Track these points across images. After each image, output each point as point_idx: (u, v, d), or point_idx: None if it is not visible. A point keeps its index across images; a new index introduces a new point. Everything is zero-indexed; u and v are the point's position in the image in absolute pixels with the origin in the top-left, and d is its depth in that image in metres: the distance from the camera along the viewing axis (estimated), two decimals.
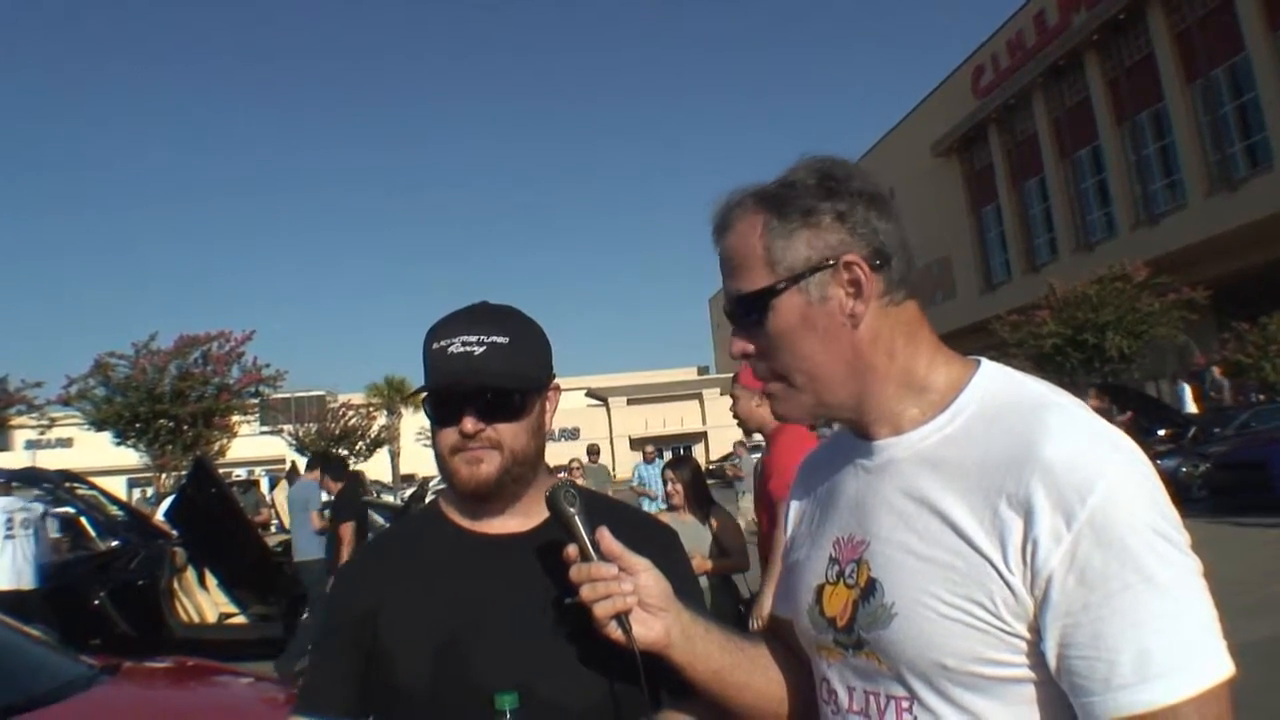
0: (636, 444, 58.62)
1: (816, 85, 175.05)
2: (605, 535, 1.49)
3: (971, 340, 34.81)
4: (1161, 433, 19.45)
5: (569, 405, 70.75)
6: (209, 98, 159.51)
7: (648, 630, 1.46)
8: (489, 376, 1.62)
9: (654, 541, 1.64)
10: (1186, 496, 16.99)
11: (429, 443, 1.78)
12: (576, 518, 1.49)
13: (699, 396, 70.05)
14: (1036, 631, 1.18)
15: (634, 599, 1.46)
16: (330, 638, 1.71)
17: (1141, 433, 20.10)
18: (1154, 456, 18.55)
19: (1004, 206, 41.35)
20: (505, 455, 1.64)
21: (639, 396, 70.84)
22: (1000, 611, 1.19)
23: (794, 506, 1.65)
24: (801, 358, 1.37)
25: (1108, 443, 1.21)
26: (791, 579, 1.56)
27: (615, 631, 1.45)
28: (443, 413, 1.64)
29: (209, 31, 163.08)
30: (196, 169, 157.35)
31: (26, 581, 9.13)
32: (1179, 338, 26.58)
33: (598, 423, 70.39)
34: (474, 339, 1.63)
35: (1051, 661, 1.17)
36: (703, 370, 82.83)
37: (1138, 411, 20.41)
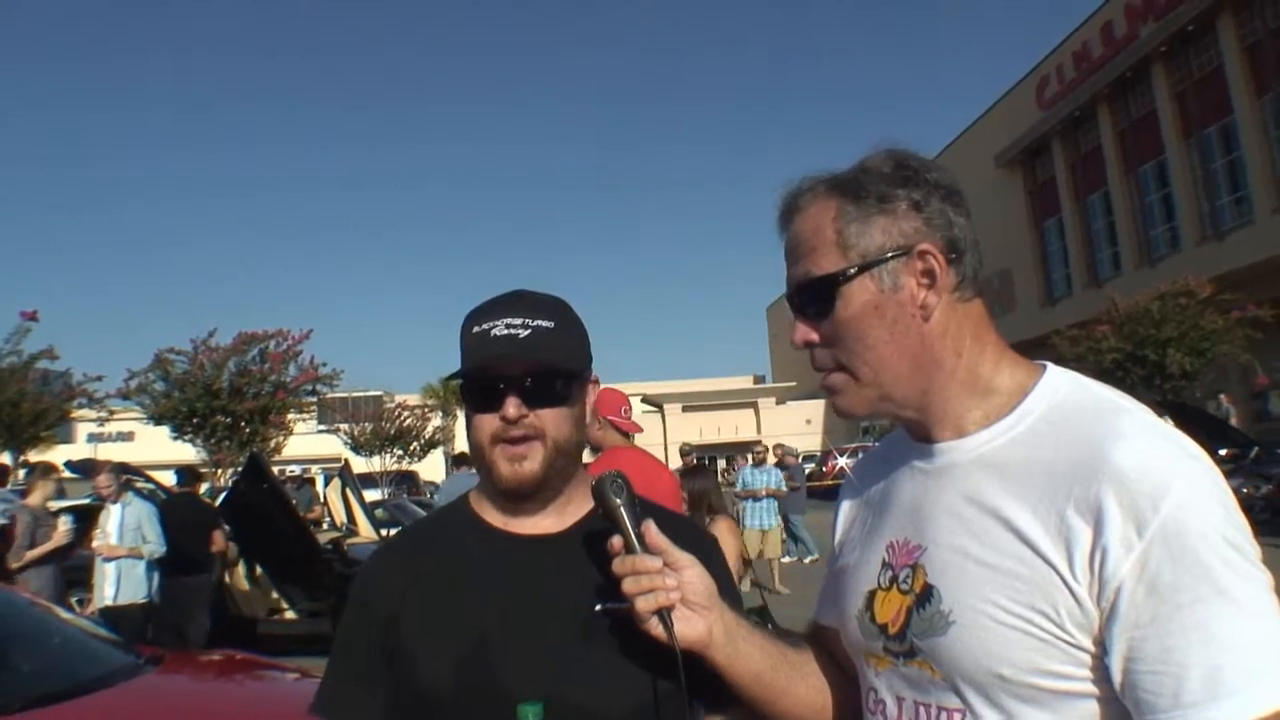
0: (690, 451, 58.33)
1: (880, 95, 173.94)
2: (651, 528, 1.44)
3: (1030, 354, 33.91)
4: (1223, 452, 19.08)
5: None
6: (269, 94, 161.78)
7: (690, 628, 1.42)
8: (535, 358, 1.56)
9: (694, 545, 1.56)
10: (1248, 518, 16.65)
11: None
12: (622, 509, 1.44)
13: (754, 405, 69.73)
14: (1101, 644, 1.13)
15: (678, 595, 1.41)
16: (352, 639, 1.64)
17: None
18: None
19: (1067, 220, 40.75)
20: (548, 446, 1.58)
21: (694, 404, 70.63)
22: (1064, 622, 1.15)
23: (844, 510, 1.60)
24: (868, 348, 1.32)
25: (1180, 449, 1.16)
26: (839, 584, 1.51)
27: (656, 628, 1.40)
28: (482, 398, 1.57)
29: (272, 28, 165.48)
30: (258, 167, 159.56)
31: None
32: (1242, 356, 26.05)
33: (652, 429, 70.16)
34: (519, 322, 1.57)
35: (1116, 676, 1.12)
36: (758, 379, 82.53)
37: (1199, 430, 20.06)
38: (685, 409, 70.57)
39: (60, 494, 12.84)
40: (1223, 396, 25.36)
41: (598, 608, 1.48)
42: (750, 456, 15.22)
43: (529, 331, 1.57)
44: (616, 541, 1.45)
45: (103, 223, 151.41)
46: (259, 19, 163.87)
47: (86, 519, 10.77)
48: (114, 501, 9.31)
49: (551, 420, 1.58)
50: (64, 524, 9.72)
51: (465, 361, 1.59)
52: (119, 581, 9.02)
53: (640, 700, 1.51)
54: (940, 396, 1.33)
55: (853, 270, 1.31)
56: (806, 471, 21.65)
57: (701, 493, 6.43)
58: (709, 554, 1.64)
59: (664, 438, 68.28)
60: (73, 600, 9.84)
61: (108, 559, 9.03)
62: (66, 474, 15.14)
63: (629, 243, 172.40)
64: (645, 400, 73.72)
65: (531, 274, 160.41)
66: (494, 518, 1.66)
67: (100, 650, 5.71)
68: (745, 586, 13.42)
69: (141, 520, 9.22)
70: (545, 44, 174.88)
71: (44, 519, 9.63)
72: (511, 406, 1.54)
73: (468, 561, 1.61)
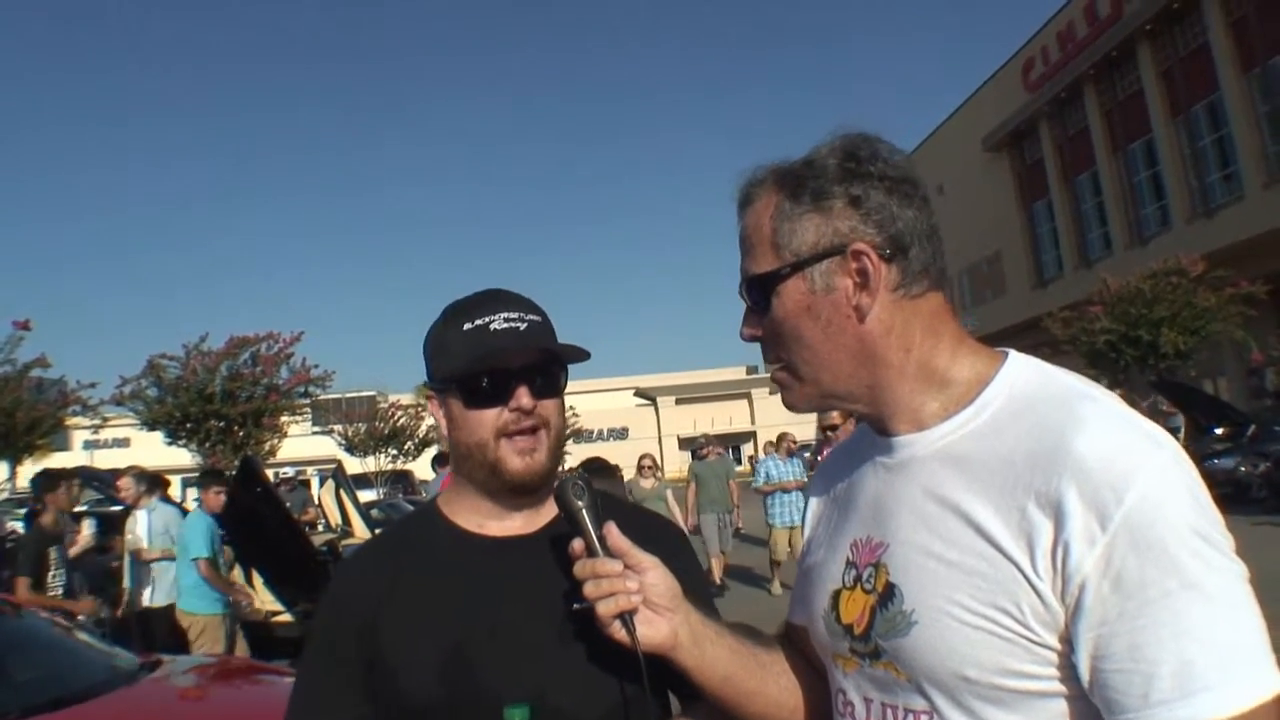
0: (685, 443, 58.66)
1: (866, 80, 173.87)
2: (612, 531, 1.42)
3: (1023, 338, 34.38)
4: (1219, 431, 19.11)
5: (617, 405, 70.89)
6: (257, 99, 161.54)
7: (653, 631, 1.40)
8: (543, 348, 1.56)
9: (663, 542, 1.56)
10: (1246, 496, 16.71)
11: None
12: (584, 511, 1.43)
13: (748, 396, 69.93)
14: (1068, 642, 1.10)
15: (639, 598, 1.39)
16: (328, 649, 1.60)
17: (1199, 431, 19.73)
18: (1212, 455, 18.25)
19: (1056, 201, 40.74)
20: (552, 435, 1.59)
21: (687, 396, 70.81)
22: (1028, 620, 1.11)
23: (812, 507, 1.57)
24: (804, 346, 1.30)
25: (1145, 437, 1.12)
26: (807, 583, 1.49)
27: (619, 632, 1.38)
28: (486, 393, 1.55)
29: (258, 32, 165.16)
30: (245, 172, 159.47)
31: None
32: (1237, 334, 26.08)
33: (646, 422, 70.41)
34: (515, 315, 1.57)
35: (1084, 674, 1.09)
36: (751, 369, 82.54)
37: (1196, 408, 20.08)
38: (679, 401, 70.71)
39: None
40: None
41: (575, 606, 1.45)
42: (782, 445, 14.13)
43: (526, 324, 1.58)
44: (577, 545, 1.43)
45: (88, 230, 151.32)
46: (245, 23, 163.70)
47: (107, 524, 10.85)
48: (138, 506, 9.31)
49: (553, 410, 1.60)
50: (87, 528, 9.83)
51: (461, 358, 1.56)
52: (154, 584, 9.04)
53: (618, 700, 1.51)
54: (890, 391, 1.30)
55: (785, 271, 1.29)
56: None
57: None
58: (678, 550, 1.64)
59: (658, 430, 68.43)
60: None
61: (147, 562, 9.06)
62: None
63: (619, 236, 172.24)
64: (638, 393, 73.78)
65: (522, 270, 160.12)
66: (466, 521, 1.64)
67: (96, 656, 5.73)
68: (777, 590, 13.13)
69: (169, 524, 9.21)
70: (530, 38, 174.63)
71: (67, 524, 9.63)
72: (525, 396, 1.54)
73: (442, 566, 1.60)
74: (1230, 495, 17.01)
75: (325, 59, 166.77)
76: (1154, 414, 21.99)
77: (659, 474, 13.38)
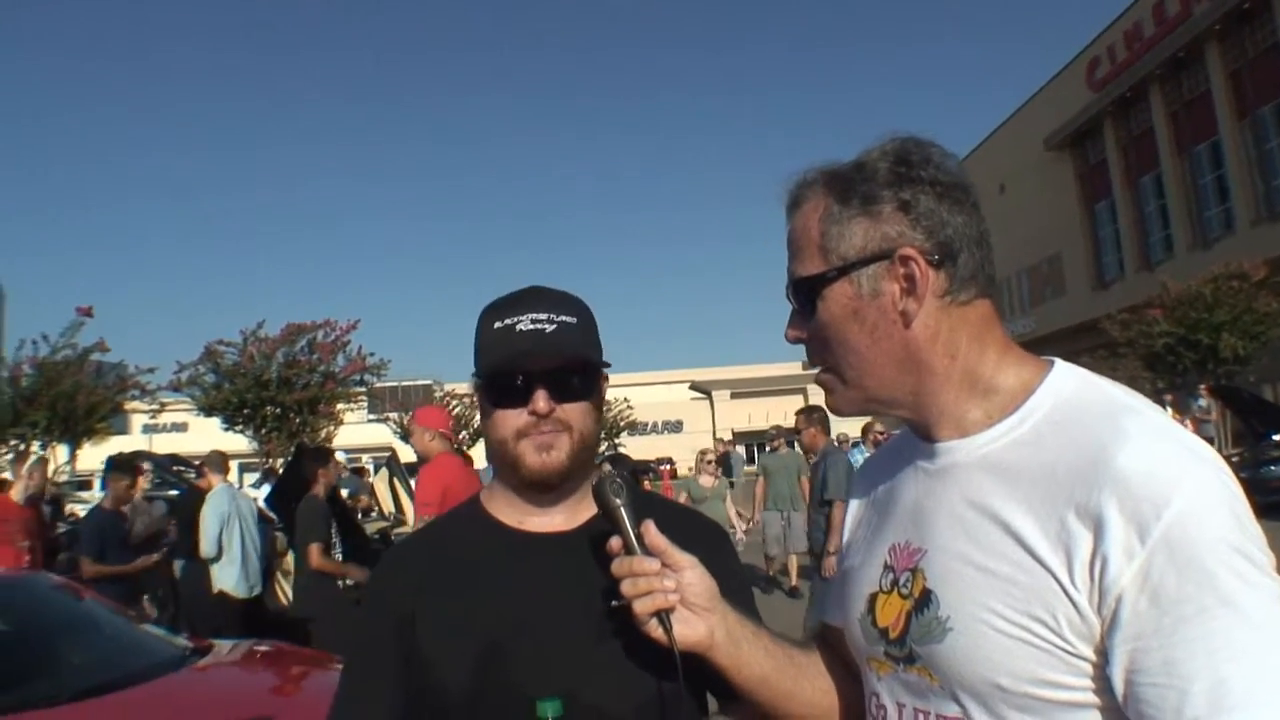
0: (739, 438, 58.51)
1: (928, 78, 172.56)
2: (650, 529, 1.42)
3: (1081, 339, 33.87)
4: (1277, 438, 18.71)
5: (672, 398, 70.81)
6: (317, 86, 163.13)
7: (690, 630, 1.40)
8: (563, 352, 1.56)
9: (703, 540, 1.56)
10: None
11: None
12: (622, 509, 1.43)
13: (803, 391, 69.40)
14: (1103, 654, 1.09)
15: (676, 597, 1.39)
16: (367, 641, 1.64)
17: (1257, 438, 19.34)
18: (1270, 461, 17.87)
19: (1118, 202, 40.12)
20: (575, 438, 1.59)
21: (742, 390, 70.51)
22: (1063, 631, 1.11)
23: (851, 510, 1.57)
24: (850, 350, 1.31)
25: (1188, 452, 1.11)
26: (844, 586, 1.49)
27: (656, 630, 1.38)
28: (508, 394, 1.57)
29: (320, 19, 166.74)
30: (305, 158, 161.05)
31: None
32: None
33: (701, 416, 70.26)
34: (544, 317, 1.57)
35: (1118, 687, 1.08)
36: (807, 365, 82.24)
37: (1252, 415, 19.69)
38: (734, 395, 70.42)
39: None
40: (1202, 388, 24.68)
41: (613, 604, 1.45)
42: (869, 436, 13.62)
43: (554, 326, 1.57)
44: (615, 543, 1.44)
45: (149, 217, 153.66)
46: (309, 11, 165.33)
47: (168, 508, 11.15)
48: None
49: (577, 414, 1.60)
50: (159, 509, 10.26)
51: (489, 356, 1.58)
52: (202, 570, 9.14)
53: (651, 698, 1.51)
54: (933, 398, 1.30)
55: (831, 274, 1.29)
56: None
57: None
58: (719, 548, 1.65)
59: (712, 425, 68.23)
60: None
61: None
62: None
63: (678, 229, 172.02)
64: (693, 387, 73.58)
65: (581, 260, 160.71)
66: (507, 516, 1.65)
67: (146, 641, 5.78)
68: None
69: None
70: (602, 34, 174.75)
71: (142, 508, 10.01)
72: (541, 400, 1.55)
73: (481, 560, 1.61)
74: None
75: (388, 51, 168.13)
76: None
77: (718, 471, 12.62)
